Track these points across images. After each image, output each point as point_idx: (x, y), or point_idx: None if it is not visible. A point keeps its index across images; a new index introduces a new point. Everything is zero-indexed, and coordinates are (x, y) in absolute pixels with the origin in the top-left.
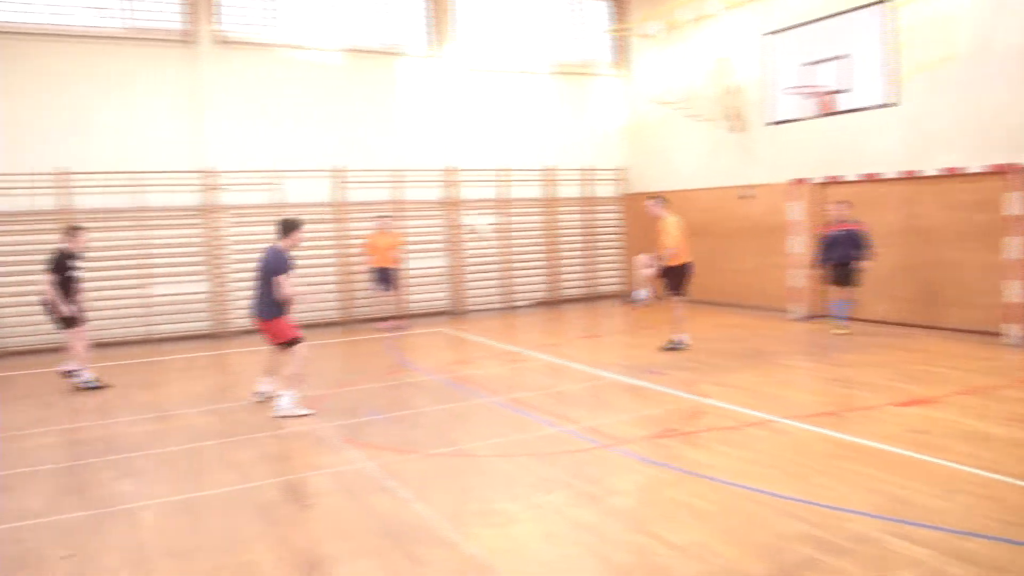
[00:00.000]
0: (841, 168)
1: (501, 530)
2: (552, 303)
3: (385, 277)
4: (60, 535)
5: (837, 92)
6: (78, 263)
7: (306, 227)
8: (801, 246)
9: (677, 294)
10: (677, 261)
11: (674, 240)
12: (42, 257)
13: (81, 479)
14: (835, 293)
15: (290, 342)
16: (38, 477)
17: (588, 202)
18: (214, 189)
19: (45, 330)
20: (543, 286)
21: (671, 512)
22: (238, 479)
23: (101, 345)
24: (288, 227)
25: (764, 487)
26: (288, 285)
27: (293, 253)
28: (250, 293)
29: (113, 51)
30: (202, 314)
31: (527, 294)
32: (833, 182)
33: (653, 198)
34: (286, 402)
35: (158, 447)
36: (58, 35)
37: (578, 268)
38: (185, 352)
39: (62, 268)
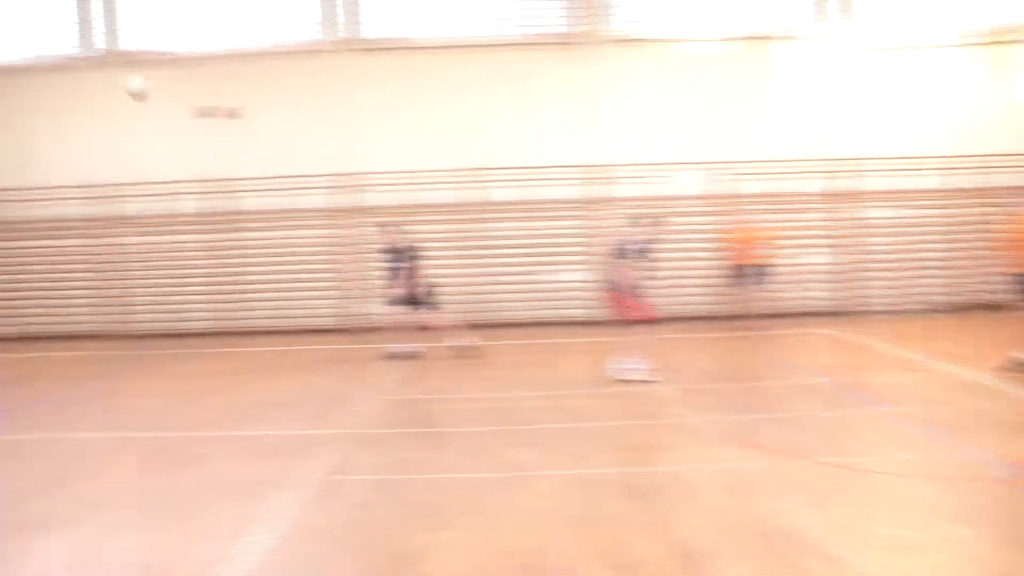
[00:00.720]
0: None
1: (900, 557)
2: (961, 308)
3: (747, 274)
4: (465, 491)
5: None
6: (400, 255)
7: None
8: None
9: None
10: None
11: None
12: (458, 244)
13: (484, 444)
14: None
15: (634, 321)
16: (449, 439)
17: (1010, 192)
18: (605, 183)
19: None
20: (949, 288)
21: None
22: (619, 461)
23: (498, 326)
24: (645, 220)
25: None
26: (626, 271)
27: (645, 243)
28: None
29: (511, 57)
30: (592, 302)
31: (929, 296)
32: None
33: None
34: (626, 365)
35: (548, 423)
36: (464, 46)
37: (995, 270)
38: (579, 337)
39: (387, 258)
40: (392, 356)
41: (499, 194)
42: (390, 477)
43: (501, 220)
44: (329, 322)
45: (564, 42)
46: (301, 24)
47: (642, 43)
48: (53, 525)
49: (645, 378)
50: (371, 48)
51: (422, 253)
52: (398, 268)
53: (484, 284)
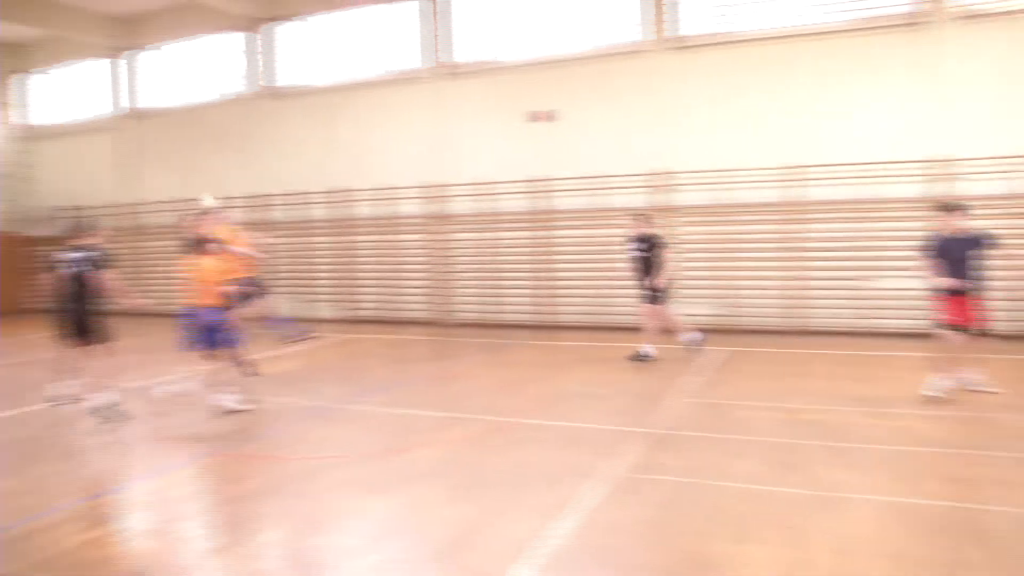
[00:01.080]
0: None
1: None
2: None
3: None
4: (771, 505)
5: None
6: (645, 245)
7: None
8: None
9: None
10: None
11: None
12: (773, 246)
13: (794, 457)
14: None
15: (941, 323)
16: (757, 448)
17: None
18: (950, 179)
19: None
20: None
21: None
22: (956, 496)
23: (813, 333)
24: (951, 207)
25: None
26: (929, 270)
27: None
28: None
29: (838, 44)
30: (919, 311)
31: None
32: None
33: None
34: (932, 383)
35: (869, 441)
36: (786, 37)
37: None
38: (909, 350)
39: (638, 249)
40: (688, 348)
41: (821, 192)
42: (693, 480)
43: (822, 220)
44: (639, 320)
45: (903, 23)
46: (619, 25)
47: (1002, 16)
48: (384, 488)
49: (933, 393)
50: (689, 45)
51: (668, 245)
52: (646, 259)
53: (798, 288)
